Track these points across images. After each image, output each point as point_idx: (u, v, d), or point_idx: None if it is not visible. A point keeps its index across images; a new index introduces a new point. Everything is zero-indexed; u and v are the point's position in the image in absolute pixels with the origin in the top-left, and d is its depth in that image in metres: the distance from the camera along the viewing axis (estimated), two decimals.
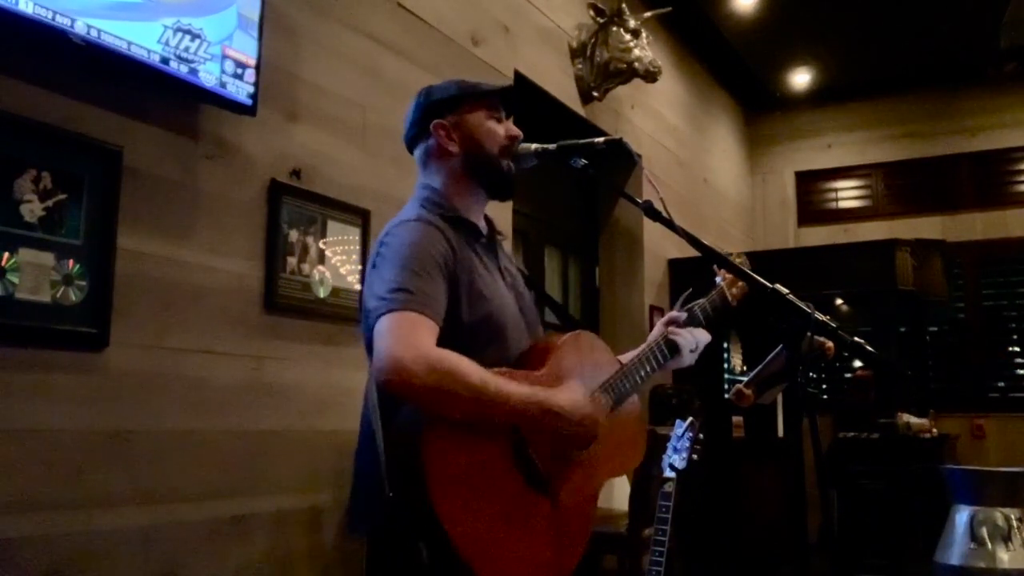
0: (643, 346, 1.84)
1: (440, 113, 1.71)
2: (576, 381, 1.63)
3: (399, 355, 1.40)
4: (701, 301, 1.94)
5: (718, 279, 1.99)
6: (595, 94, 4.65)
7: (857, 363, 6.09)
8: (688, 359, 1.85)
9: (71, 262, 2.09)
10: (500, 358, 1.58)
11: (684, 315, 1.89)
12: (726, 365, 5.70)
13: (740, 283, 2.00)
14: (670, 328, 1.85)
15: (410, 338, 1.43)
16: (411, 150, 1.78)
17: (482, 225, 1.77)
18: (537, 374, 1.59)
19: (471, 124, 1.70)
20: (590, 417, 1.59)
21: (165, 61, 2.22)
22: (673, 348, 1.82)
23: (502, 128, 1.73)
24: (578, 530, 1.62)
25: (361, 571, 1.65)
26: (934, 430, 5.49)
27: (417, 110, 1.74)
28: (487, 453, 1.47)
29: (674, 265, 5.56)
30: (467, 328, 1.56)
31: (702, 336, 1.86)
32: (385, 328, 1.45)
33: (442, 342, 1.47)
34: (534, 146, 1.73)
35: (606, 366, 1.75)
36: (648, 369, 1.80)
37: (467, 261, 1.62)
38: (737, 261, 1.99)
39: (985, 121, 6.68)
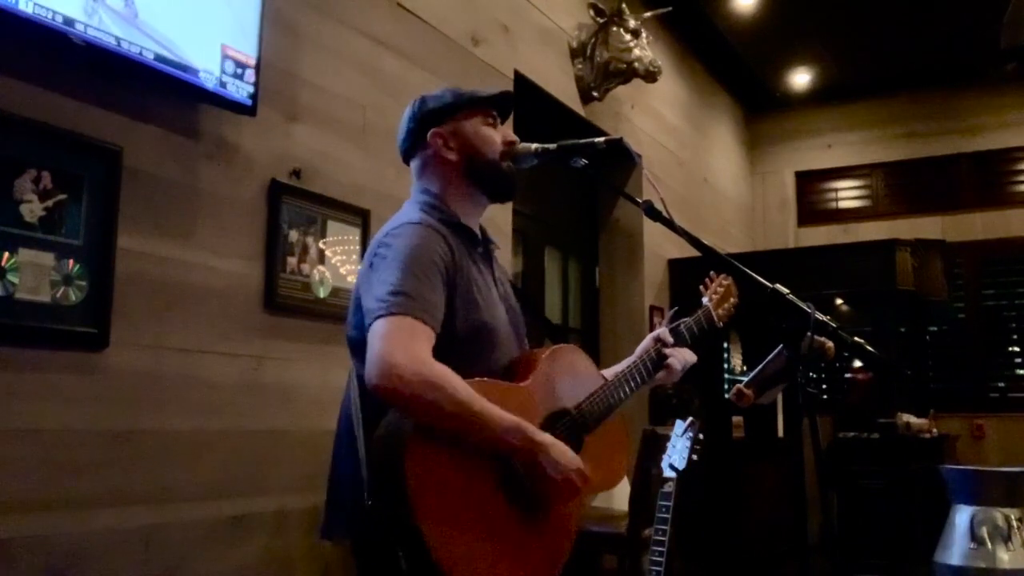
0: (628, 361, 1.85)
1: (436, 121, 1.70)
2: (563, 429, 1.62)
3: (393, 361, 1.39)
4: (687, 320, 1.94)
5: (704, 299, 1.99)
6: (595, 94, 4.65)
7: (857, 363, 6.08)
8: (676, 378, 1.87)
9: (71, 262, 2.09)
10: (489, 367, 1.58)
11: (669, 336, 1.89)
12: (726, 365, 5.70)
13: (727, 304, 2.01)
14: (664, 348, 1.86)
15: (406, 344, 1.41)
16: (407, 159, 1.77)
17: (479, 233, 1.76)
18: (521, 385, 1.58)
19: (468, 131, 1.70)
20: (575, 473, 1.52)
21: (164, 61, 2.22)
22: (660, 364, 1.84)
23: (498, 134, 1.73)
24: (557, 547, 1.59)
25: None
26: (934, 430, 5.49)
27: (412, 119, 1.73)
28: (471, 464, 1.45)
29: (674, 265, 5.56)
30: (460, 335, 1.55)
31: (688, 356, 1.88)
32: (382, 331, 1.43)
33: (435, 348, 1.46)
34: (534, 146, 1.72)
35: (588, 380, 1.75)
36: (633, 385, 1.80)
37: (465, 268, 1.61)
38: (724, 284, 2.01)
39: (985, 121, 6.67)
